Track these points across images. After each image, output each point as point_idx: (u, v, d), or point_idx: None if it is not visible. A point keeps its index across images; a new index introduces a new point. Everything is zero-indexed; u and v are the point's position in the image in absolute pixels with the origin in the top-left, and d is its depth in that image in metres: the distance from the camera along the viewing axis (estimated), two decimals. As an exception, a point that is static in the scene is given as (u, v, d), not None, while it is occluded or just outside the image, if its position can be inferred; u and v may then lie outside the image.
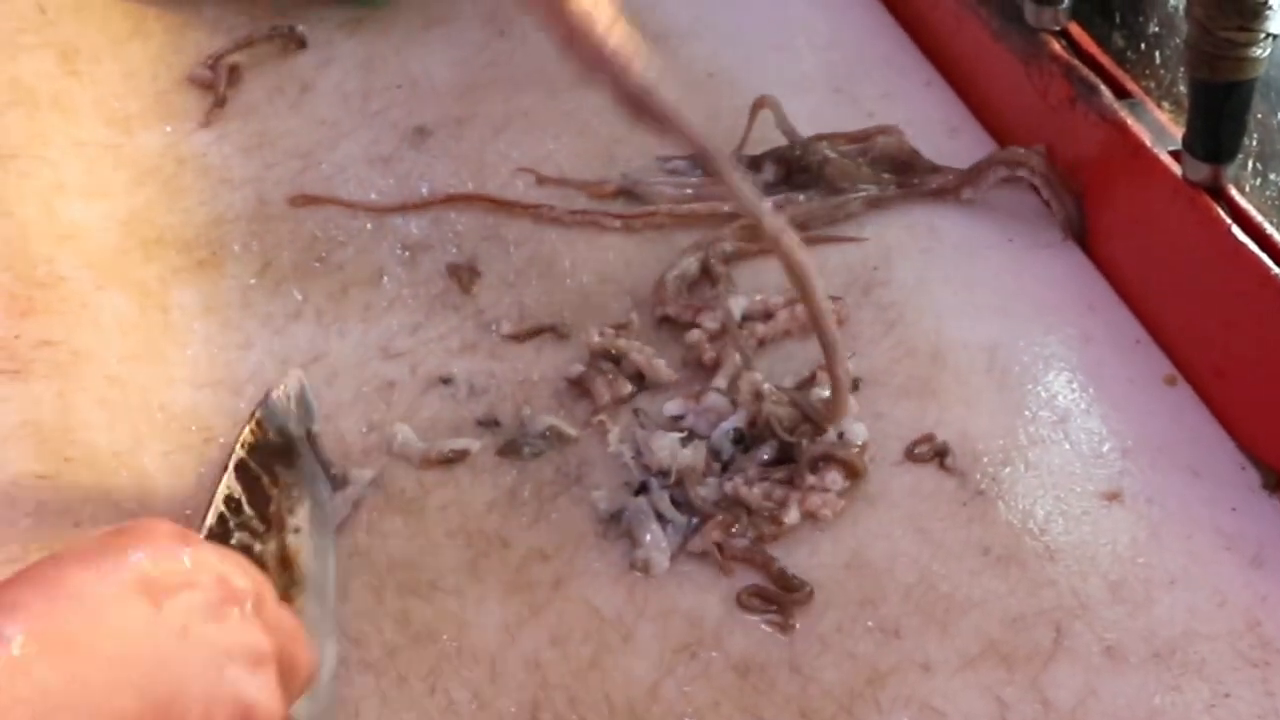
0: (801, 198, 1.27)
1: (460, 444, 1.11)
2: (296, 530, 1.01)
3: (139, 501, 1.07)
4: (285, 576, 0.98)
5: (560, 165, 1.34)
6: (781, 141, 1.32)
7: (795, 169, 1.30)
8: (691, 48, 1.46)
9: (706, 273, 1.22)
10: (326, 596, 1.00)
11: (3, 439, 1.12)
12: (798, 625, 0.99)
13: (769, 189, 1.27)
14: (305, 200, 1.31)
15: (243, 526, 0.98)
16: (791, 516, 1.04)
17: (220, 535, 0.95)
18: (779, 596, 1.00)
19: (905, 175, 1.30)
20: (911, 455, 1.09)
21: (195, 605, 0.68)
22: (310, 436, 1.08)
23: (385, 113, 1.41)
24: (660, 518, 1.04)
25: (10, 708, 0.60)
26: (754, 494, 1.05)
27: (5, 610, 0.63)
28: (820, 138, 1.31)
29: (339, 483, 1.06)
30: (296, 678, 0.74)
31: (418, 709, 0.95)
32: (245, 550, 0.95)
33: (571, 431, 1.11)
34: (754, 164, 1.30)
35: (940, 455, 1.08)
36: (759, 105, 1.32)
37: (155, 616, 0.66)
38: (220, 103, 1.41)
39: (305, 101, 1.42)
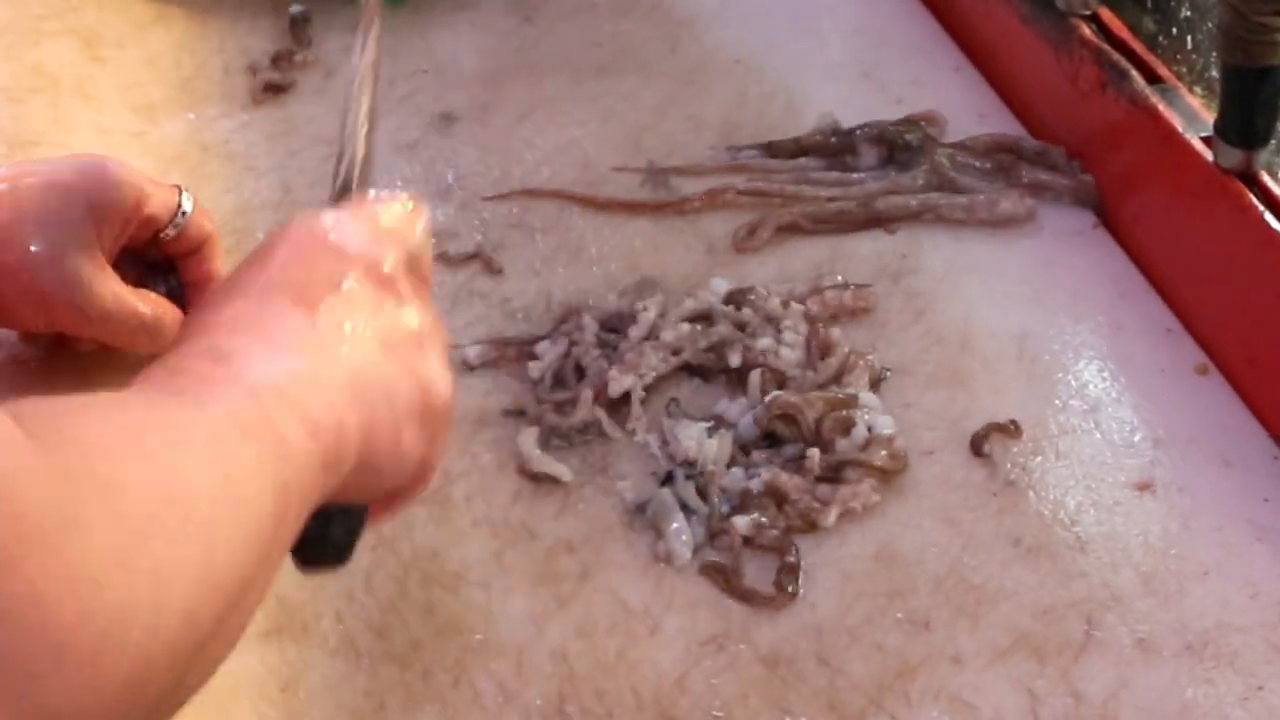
0: (963, 199, 1.25)
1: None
2: None
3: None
4: None
5: (586, 151, 1.33)
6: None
7: (897, 148, 1.28)
8: (718, 33, 1.45)
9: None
10: None
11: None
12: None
13: (874, 172, 1.27)
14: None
15: None
16: (829, 519, 1.03)
17: None
18: (740, 591, 1.00)
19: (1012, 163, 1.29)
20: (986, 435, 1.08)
21: (344, 306, 0.71)
22: None
23: (411, 99, 1.40)
24: (685, 508, 1.04)
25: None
26: (794, 485, 1.04)
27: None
28: (912, 119, 1.30)
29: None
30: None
31: (443, 701, 0.95)
32: None
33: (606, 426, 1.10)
34: (847, 145, 1.29)
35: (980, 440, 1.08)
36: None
37: (312, 325, 0.69)
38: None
39: (330, 88, 1.41)
